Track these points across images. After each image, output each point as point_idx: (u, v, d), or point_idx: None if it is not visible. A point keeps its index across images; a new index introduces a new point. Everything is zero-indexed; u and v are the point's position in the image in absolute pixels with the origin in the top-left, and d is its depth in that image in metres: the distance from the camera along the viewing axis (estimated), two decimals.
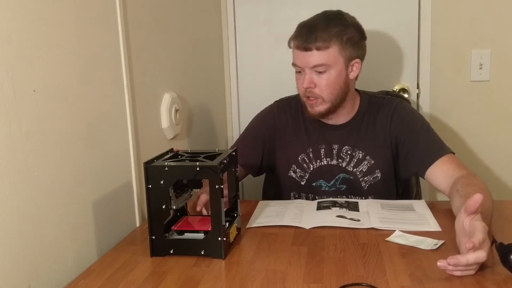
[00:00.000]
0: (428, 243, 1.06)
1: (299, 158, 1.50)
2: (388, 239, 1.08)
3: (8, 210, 0.88)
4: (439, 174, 1.33)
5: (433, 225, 1.16)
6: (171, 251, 1.07)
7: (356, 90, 1.52)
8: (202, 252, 1.06)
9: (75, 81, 1.09)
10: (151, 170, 1.06)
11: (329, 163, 1.48)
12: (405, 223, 1.17)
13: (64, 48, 1.05)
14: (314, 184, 1.49)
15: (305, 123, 1.51)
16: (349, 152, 1.47)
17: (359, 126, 1.47)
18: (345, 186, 1.48)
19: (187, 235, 1.11)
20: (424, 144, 1.39)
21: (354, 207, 1.30)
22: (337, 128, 1.48)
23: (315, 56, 1.34)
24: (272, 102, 1.61)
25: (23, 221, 0.91)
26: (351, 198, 1.46)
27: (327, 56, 1.34)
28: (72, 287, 0.98)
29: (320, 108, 1.40)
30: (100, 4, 1.20)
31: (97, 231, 1.16)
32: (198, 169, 1.03)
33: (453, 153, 1.38)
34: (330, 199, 1.39)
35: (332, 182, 1.49)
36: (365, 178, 1.46)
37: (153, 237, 1.07)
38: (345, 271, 0.96)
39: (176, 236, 1.11)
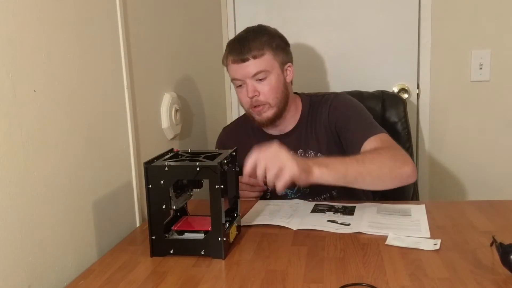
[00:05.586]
0: (428, 243, 1.06)
1: None
2: (386, 242, 1.08)
3: (8, 210, 0.88)
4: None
5: (423, 232, 1.13)
6: (171, 251, 1.07)
7: (296, 93, 1.57)
8: (202, 252, 1.06)
9: (75, 81, 1.09)
10: (151, 170, 1.06)
11: None
12: (394, 228, 1.16)
13: (64, 48, 1.05)
14: (279, 194, 1.46)
15: (256, 138, 1.53)
16: (302, 154, 1.50)
17: (306, 128, 1.52)
18: (308, 189, 1.49)
19: (187, 235, 1.11)
20: (355, 128, 1.43)
21: (350, 211, 1.30)
22: (286, 135, 1.52)
23: (253, 65, 1.41)
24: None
25: (23, 221, 0.91)
26: (316, 198, 1.48)
27: (264, 62, 1.41)
28: (72, 287, 0.98)
29: (268, 113, 1.46)
30: (100, 4, 1.20)
31: (97, 231, 1.16)
32: (198, 169, 1.04)
33: (384, 133, 1.40)
34: (328, 202, 1.39)
35: (296, 188, 1.50)
36: None
37: (153, 237, 1.07)
38: (345, 271, 0.96)
39: (176, 236, 1.11)
